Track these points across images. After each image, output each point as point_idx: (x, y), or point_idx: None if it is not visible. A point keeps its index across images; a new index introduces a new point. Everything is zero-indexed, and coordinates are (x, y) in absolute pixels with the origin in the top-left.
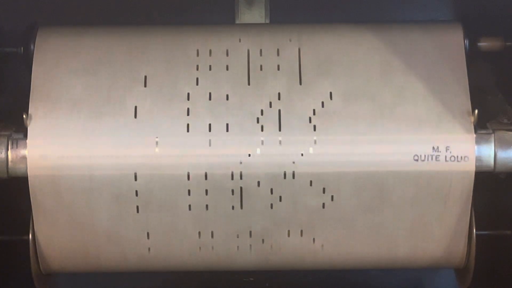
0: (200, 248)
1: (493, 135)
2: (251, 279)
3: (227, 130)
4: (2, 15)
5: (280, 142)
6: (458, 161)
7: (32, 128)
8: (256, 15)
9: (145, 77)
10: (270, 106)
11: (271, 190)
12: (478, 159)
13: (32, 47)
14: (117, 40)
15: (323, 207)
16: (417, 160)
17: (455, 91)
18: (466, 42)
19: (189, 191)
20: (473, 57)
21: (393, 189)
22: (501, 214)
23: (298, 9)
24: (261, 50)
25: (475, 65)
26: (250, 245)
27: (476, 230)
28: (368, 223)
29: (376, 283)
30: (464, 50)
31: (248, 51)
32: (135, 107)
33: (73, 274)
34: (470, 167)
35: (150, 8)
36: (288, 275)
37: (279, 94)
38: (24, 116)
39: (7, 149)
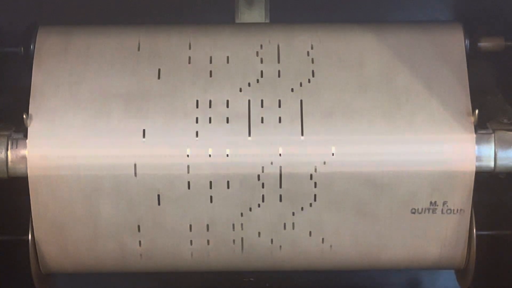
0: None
1: (493, 135)
2: (251, 279)
3: (228, 187)
4: (2, 15)
5: (280, 197)
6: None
7: (32, 128)
8: (256, 15)
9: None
10: (271, 163)
11: (271, 240)
12: (478, 159)
13: (32, 47)
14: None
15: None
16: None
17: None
18: (467, 42)
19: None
20: (473, 57)
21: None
22: (501, 214)
23: (298, 9)
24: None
25: (475, 65)
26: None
27: (476, 230)
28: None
29: (376, 283)
30: (464, 50)
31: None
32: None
33: (73, 274)
34: (470, 167)
35: (150, 8)
36: (288, 275)
37: (280, 154)
38: (24, 116)
39: (7, 149)
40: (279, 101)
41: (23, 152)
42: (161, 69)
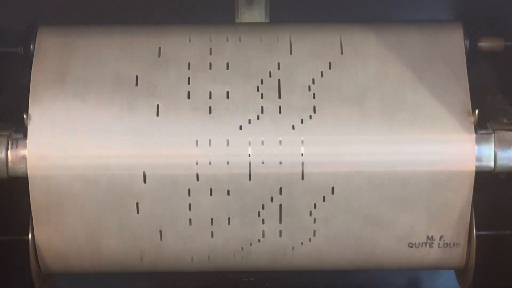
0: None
1: (493, 135)
2: (251, 279)
3: (229, 223)
4: (2, 15)
5: (280, 233)
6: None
7: (32, 128)
8: (256, 15)
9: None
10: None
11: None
12: (478, 159)
13: (32, 47)
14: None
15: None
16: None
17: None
18: (467, 42)
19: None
20: (473, 57)
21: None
22: (501, 214)
23: (298, 9)
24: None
25: (475, 65)
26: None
27: (476, 230)
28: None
29: (376, 283)
30: (464, 50)
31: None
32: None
33: (73, 274)
34: (470, 167)
35: (150, 8)
36: (288, 275)
37: (280, 189)
38: (24, 116)
39: (7, 149)
40: (280, 141)
41: (23, 152)
42: (159, 105)
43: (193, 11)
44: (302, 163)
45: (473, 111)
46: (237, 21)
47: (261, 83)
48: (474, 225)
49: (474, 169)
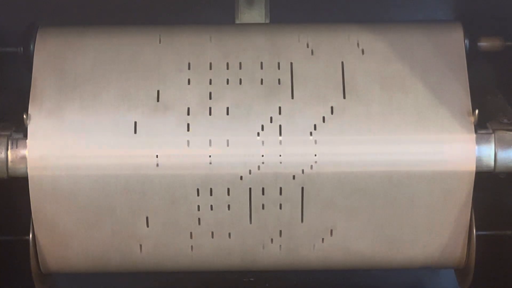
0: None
1: (493, 135)
2: (251, 279)
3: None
4: (2, 15)
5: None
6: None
7: (32, 128)
8: (256, 15)
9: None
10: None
11: None
12: (478, 159)
13: (32, 47)
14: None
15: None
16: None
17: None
18: (466, 42)
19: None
20: (473, 57)
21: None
22: (501, 214)
23: (298, 8)
24: (263, 189)
25: (475, 65)
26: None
27: (476, 230)
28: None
29: (376, 283)
30: (464, 50)
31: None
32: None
33: (73, 274)
34: (470, 167)
35: (150, 8)
36: (288, 275)
37: (280, 231)
38: (24, 116)
39: (7, 149)
40: (280, 188)
41: (23, 152)
42: (159, 155)
43: (193, 11)
44: (302, 209)
45: (473, 111)
46: (237, 21)
47: (262, 129)
48: (474, 225)
49: (474, 169)
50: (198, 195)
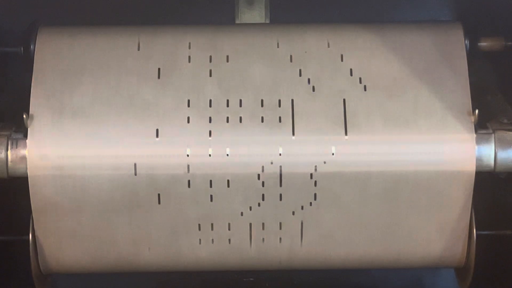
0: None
1: (493, 135)
2: (251, 279)
3: None
4: (2, 15)
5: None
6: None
7: (32, 128)
8: (256, 15)
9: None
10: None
11: None
12: (478, 159)
13: (32, 47)
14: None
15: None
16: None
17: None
18: (467, 42)
19: None
20: (474, 57)
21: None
22: (501, 214)
23: (298, 8)
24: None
25: (475, 65)
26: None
27: (476, 230)
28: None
29: (376, 283)
30: (464, 50)
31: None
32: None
33: (73, 274)
34: (470, 167)
35: (150, 8)
36: (288, 275)
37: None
38: (24, 116)
39: (7, 149)
40: (280, 223)
41: (23, 152)
42: (160, 194)
43: (193, 11)
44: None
45: (473, 111)
46: (237, 21)
47: (262, 170)
48: (474, 225)
49: (474, 169)
50: (199, 229)
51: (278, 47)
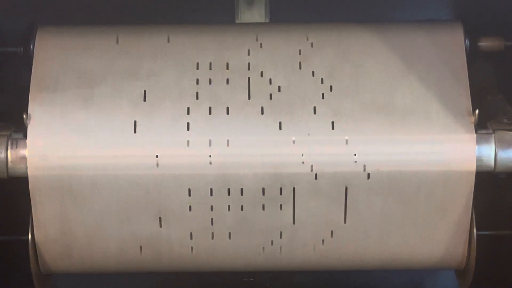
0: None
1: (493, 135)
2: (251, 279)
3: None
4: (2, 15)
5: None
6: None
7: (32, 128)
8: (256, 15)
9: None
10: None
11: None
12: (478, 159)
13: (32, 47)
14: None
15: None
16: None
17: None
18: (467, 42)
19: None
20: (473, 57)
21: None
22: (501, 214)
23: (298, 8)
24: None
25: (475, 65)
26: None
27: (476, 230)
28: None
29: (376, 283)
30: (464, 50)
31: None
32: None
33: (73, 274)
34: (470, 167)
35: (150, 8)
36: (288, 275)
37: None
38: (24, 116)
39: (7, 149)
40: None
41: (23, 152)
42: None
43: (193, 11)
44: None
45: (473, 111)
46: (237, 21)
47: (263, 250)
48: (474, 225)
49: (474, 169)
50: None
51: None
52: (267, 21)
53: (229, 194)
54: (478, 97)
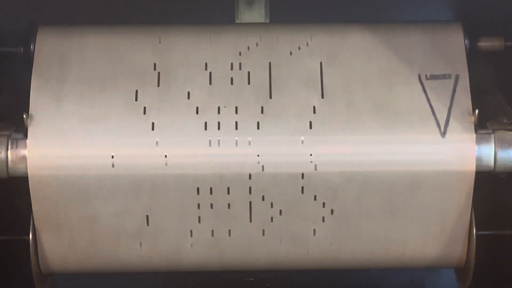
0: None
1: (493, 135)
2: (251, 279)
3: None
4: (2, 15)
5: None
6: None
7: (32, 128)
8: (256, 15)
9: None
10: None
11: None
12: (478, 159)
13: (32, 47)
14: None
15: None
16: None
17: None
18: (467, 42)
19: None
20: (473, 57)
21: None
22: (501, 214)
23: (298, 9)
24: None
25: (475, 65)
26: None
27: (476, 230)
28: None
29: (376, 283)
30: (464, 50)
31: None
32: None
33: (73, 274)
34: (470, 167)
35: (149, 8)
36: (288, 275)
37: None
38: (24, 116)
39: (7, 149)
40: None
41: (23, 152)
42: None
43: (193, 11)
44: None
45: (473, 111)
46: (237, 21)
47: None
48: (474, 225)
49: (474, 169)
50: None
51: None
52: (267, 21)
53: None
54: (478, 97)
